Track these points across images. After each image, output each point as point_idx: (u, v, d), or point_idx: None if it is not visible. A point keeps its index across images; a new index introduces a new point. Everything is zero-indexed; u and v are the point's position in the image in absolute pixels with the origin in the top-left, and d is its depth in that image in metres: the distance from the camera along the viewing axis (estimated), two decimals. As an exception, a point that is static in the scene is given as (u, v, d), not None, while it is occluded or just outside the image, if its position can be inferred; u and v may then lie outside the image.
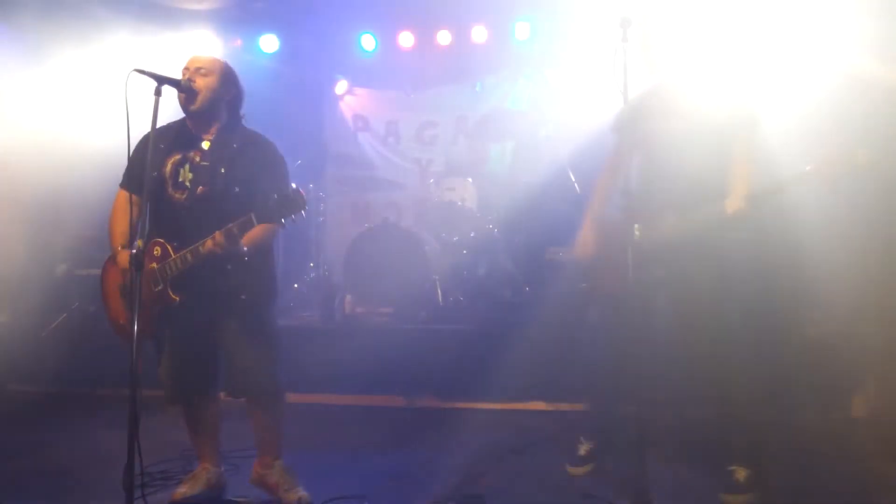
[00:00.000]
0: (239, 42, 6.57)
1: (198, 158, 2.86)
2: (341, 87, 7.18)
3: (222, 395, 3.03)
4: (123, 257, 2.80)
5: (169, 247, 2.75)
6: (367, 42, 6.62)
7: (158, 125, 2.62)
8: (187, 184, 2.83)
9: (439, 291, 5.25)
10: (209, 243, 2.62)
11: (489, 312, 5.03)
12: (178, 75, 2.83)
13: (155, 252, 2.77)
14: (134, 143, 2.67)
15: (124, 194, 2.94)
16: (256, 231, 2.67)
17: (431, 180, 6.09)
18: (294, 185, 2.55)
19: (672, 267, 3.05)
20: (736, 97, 2.99)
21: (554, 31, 6.35)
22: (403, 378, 4.57)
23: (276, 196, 2.50)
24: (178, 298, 2.74)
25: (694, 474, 3.27)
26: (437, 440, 3.89)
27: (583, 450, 3.38)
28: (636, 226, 2.76)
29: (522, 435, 3.90)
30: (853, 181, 2.62)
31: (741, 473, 3.01)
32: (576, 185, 5.73)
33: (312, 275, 6.06)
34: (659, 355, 3.40)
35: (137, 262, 2.49)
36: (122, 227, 2.88)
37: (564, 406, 4.39)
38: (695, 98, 3.01)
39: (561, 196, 6.05)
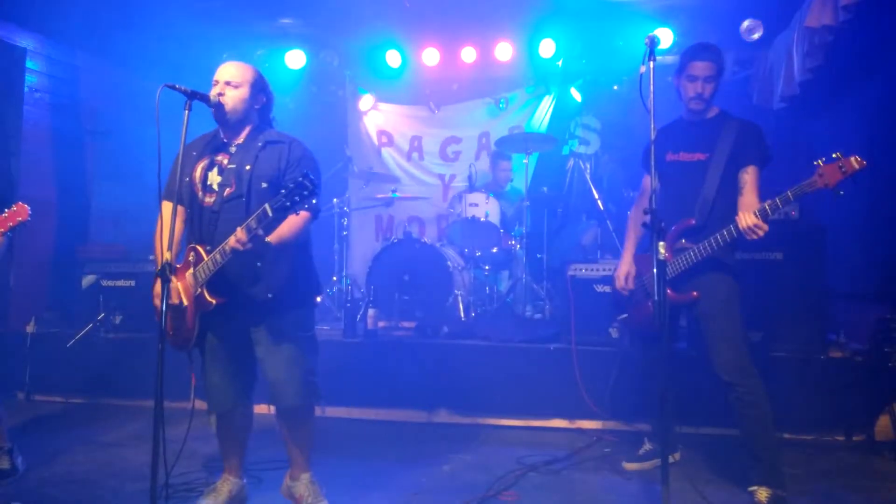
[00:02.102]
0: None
1: (225, 162, 2.89)
2: (366, 102, 7.25)
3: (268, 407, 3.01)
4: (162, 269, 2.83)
5: (202, 250, 2.78)
6: (393, 58, 6.68)
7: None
8: (215, 187, 2.86)
9: (461, 306, 5.25)
10: (232, 240, 2.63)
11: (511, 328, 5.01)
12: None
13: (190, 257, 2.80)
14: (166, 156, 2.72)
15: (166, 205, 2.94)
16: (283, 225, 2.69)
17: (454, 196, 6.11)
18: (305, 172, 2.54)
19: (696, 286, 3.23)
20: (749, 133, 3.25)
21: (578, 48, 6.37)
22: (425, 392, 4.57)
23: (290, 185, 2.51)
24: (214, 301, 2.74)
25: (715, 488, 3.26)
26: (459, 455, 3.88)
27: (643, 449, 3.66)
28: (661, 244, 2.77)
29: (544, 451, 3.88)
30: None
31: (762, 494, 3.05)
32: (598, 201, 5.73)
33: (335, 288, 6.09)
34: (685, 374, 3.46)
35: (164, 275, 2.55)
36: (162, 240, 2.90)
37: (585, 424, 4.37)
38: (712, 133, 3.30)
39: (584, 212, 6.06)
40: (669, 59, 4.97)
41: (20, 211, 3.31)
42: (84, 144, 6.36)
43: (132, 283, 5.22)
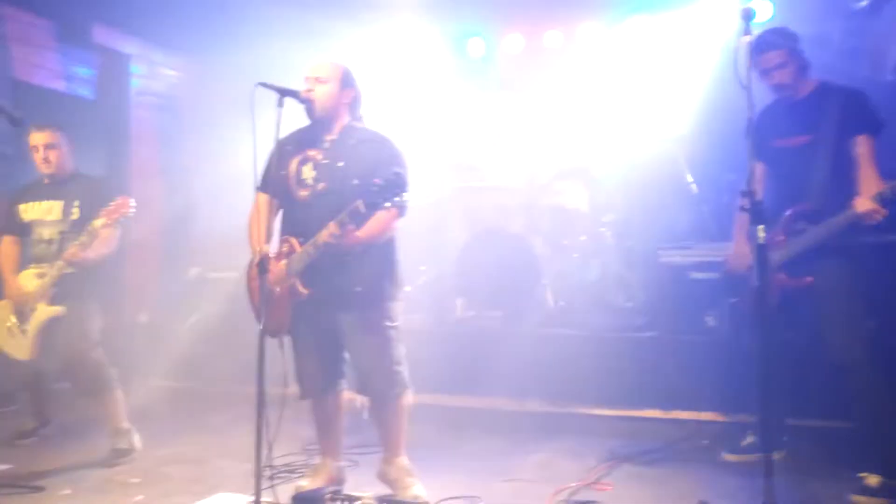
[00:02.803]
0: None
1: (319, 157, 2.99)
2: (449, 90, 7.26)
3: (347, 393, 3.13)
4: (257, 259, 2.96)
5: (295, 242, 2.89)
6: (476, 46, 6.66)
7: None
8: (309, 181, 2.97)
9: (550, 295, 5.21)
10: (324, 233, 2.73)
11: (601, 317, 4.93)
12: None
13: (284, 249, 2.92)
14: (261, 152, 2.84)
15: (260, 197, 3.09)
16: (371, 221, 2.78)
17: (541, 183, 6.04)
18: (397, 171, 2.62)
19: (813, 269, 3.10)
20: (852, 102, 3.11)
21: (669, 25, 6.15)
22: (515, 381, 4.55)
23: (379, 181, 2.58)
24: (306, 292, 2.85)
25: (821, 484, 3.13)
26: (550, 444, 3.86)
27: (746, 441, 3.53)
28: (760, 227, 2.67)
29: (638, 441, 3.81)
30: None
31: (873, 479, 2.94)
32: (693, 185, 5.53)
33: (424, 278, 6.16)
34: (797, 362, 3.31)
35: (262, 266, 2.68)
36: (258, 230, 3.03)
37: (681, 414, 4.23)
38: (813, 111, 3.17)
39: (676, 197, 5.84)
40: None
41: (123, 203, 3.53)
42: (185, 142, 6.70)
43: (235, 274, 5.47)
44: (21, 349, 3.64)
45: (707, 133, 5.99)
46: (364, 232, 2.80)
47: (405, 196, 2.61)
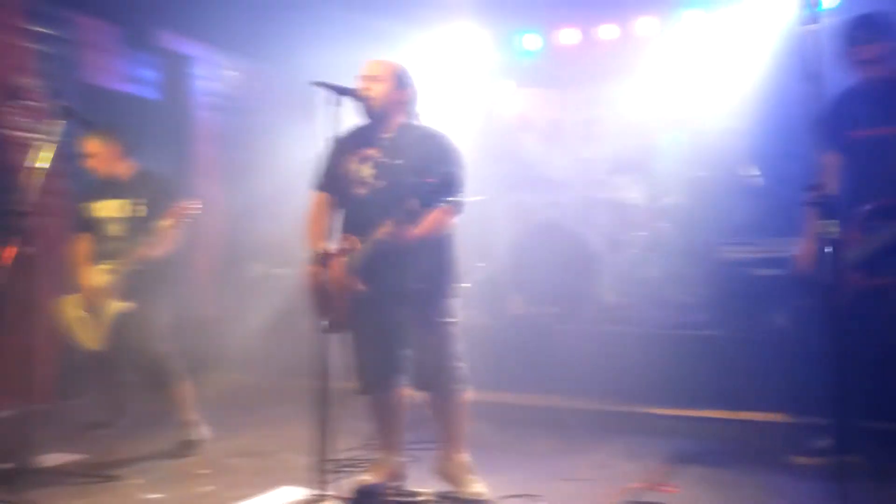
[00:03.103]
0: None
1: (378, 155, 3.02)
2: (504, 87, 7.24)
3: (406, 389, 3.16)
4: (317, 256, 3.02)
5: (354, 240, 2.93)
6: (531, 41, 6.61)
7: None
8: (368, 179, 3.00)
9: (607, 291, 5.14)
10: (382, 231, 2.77)
11: (660, 314, 4.84)
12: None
13: (344, 246, 2.97)
14: (323, 150, 2.90)
15: (317, 196, 3.15)
16: (428, 219, 2.80)
17: (598, 178, 5.96)
18: (452, 168, 2.64)
19: (892, 268, 2.96)
20: None
21: (726, 18, 5.98)
22: (573, 378, 4.50)
23: (434, 179, 2.59)
24: (364, 288, 2.89)
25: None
26: (609, 443, 3.81)
27: (818, 444, 3.34)
28: (833, 222, 2.57)
29: (703, 442, 3.72)
30: None
31: None
32: (758, 178, 5.36)
33: (480, 275, 6.15)
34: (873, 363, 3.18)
35: (322, 263, 2.74)
36: (316, 228, 3.10)
37: (747, 415, 4.12)
38: None
39: (738, 191, 5.69)
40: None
41: (189, 205, 3.66)
42: (246, 141, 6.85)
43: (296, 270, 5.58)
44: (93, 339, 3.79)
45: (771, 124, 5.81)
46: (420, 229, 2.82)
47: (461, 194, 2.64)
